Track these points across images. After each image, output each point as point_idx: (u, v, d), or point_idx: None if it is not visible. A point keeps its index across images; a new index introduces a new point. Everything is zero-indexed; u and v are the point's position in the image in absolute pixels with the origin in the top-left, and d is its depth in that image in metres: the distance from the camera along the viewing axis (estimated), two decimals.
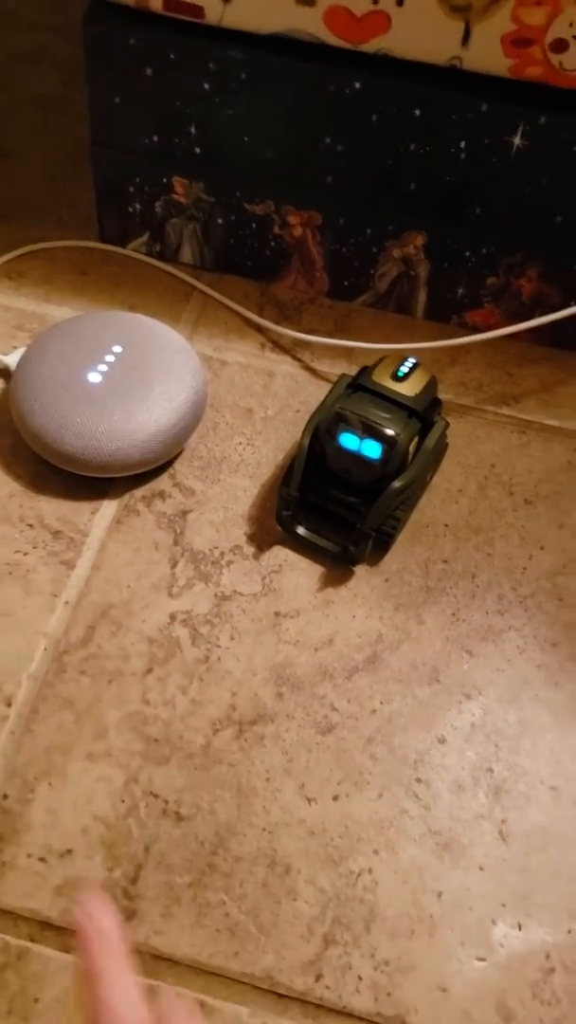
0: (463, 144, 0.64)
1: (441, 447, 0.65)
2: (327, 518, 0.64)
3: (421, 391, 0.62)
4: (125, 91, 0.68)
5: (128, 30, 0.65)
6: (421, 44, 0.60)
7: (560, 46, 0.58)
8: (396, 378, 0.62)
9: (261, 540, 0.64)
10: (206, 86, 0.66)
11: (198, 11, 0.62)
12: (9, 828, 0.52)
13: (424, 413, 0.62)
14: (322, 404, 0.63)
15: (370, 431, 0.59)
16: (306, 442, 0.62)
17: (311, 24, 0.61)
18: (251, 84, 0.65)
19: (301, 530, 0.63)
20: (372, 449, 0.60)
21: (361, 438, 0.60)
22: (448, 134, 0.64)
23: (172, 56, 0.65)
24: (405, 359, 0.63)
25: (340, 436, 0.60)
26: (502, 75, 0.60)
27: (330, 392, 0.63)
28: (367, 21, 0.59)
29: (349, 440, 0.60)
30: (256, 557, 0.63)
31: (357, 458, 0.60)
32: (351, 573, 0.62)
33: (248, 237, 0.75)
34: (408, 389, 0.61)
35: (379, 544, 0.63)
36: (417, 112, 0.63)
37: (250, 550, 0.63)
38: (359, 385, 0.62)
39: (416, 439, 0.61)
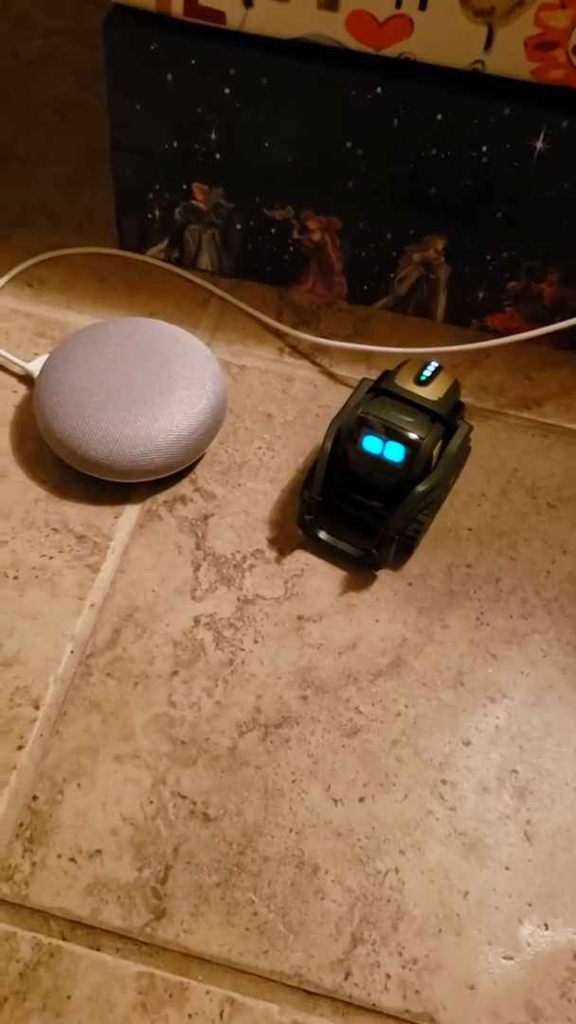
0: (485, 148, 0.64)
1: (464, 451, 0.65)
2: (349, 522, 0.64)
3: (444, 395, 0.62)
4: (145, 97, 0.69)
5: (149, 35, 0.65)
6: (443, 48, 0.60)
7: None
8: (419, 382, 0.62)
9: (282, 544, 0.64)
10: (227, 91, 0.66)
11: (219, 16, 0.63)
12: (39, 829, 0.52)
13: (447, 417, 0.62)
14: (344, 408, 0.63)
15: (393, 435, 0.60)
16: (328, 446, 0.62)
17: (333, 29, 0.61)
18: (272, 89, 0.65)
19: (323, 534, 0.63)
20: (395, 453, 0.60)
21: (384, 442, 0.60)
22: (470, 138, 0.64)
23: (193, 61, 0.65)
24: (428, 363, 0.63)
25: (363, 440, 0.60)
26: (525, 79, 0.60)
27: (352, 396, 0.63)
28: (390, 25, 0.60)
29: (372, 444, 0.60)
30: (278, 561, 0.63)
31: (380, 462, 0.61)
32: (373, 577, 0.63)
33: (267, 242, 0.75)
34: (431, 393, 0.62)
35: (402, 548, 0.63)
36: (439, 116, 0.63)
37: (272, 554, 0.64)
38: (381, 389, 0.63)
39: (440, 443, 0.61)
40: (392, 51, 0.61)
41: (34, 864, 0.51)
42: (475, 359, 0.75)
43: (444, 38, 0.60)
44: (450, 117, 0.63)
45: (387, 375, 0.64)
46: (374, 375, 0.73)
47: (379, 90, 0.63)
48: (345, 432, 0.62)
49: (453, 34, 0.59)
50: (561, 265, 0.70)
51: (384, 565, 0.62)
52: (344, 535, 0.64)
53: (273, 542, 0.64)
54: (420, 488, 0.60)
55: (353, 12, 0.60)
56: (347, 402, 0.63)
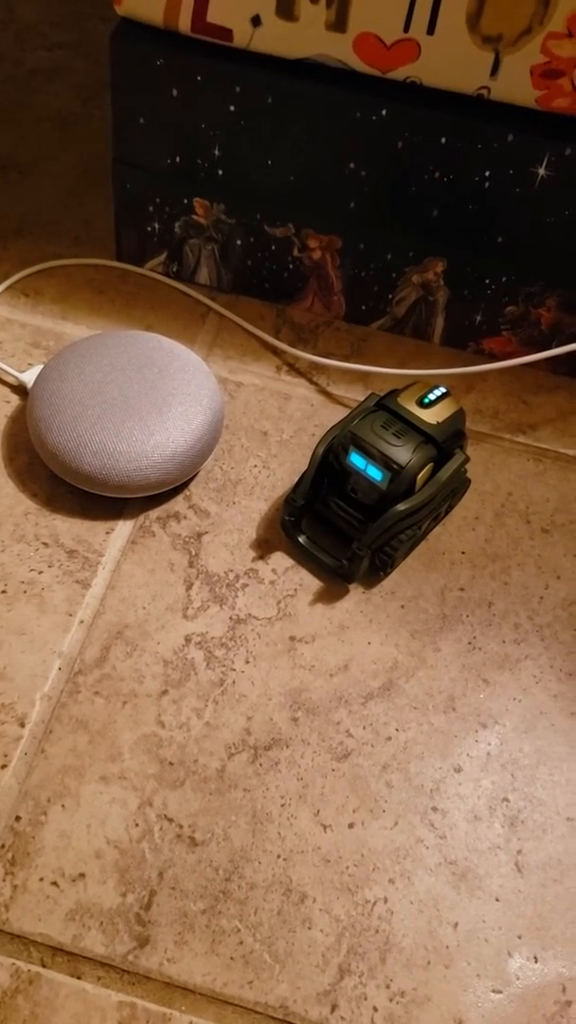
0: (487, 173, 0.64)
1: (459, 481, 0.64)
2: (333, 531, 0.65)
3: (444, 421, 0.61)
4: (149, 111, 0.68)
5: (155, 50, 0.65)
6: (450, 73, 0.60)
7: None
8: (421, 404, 0.62)
9: (276, 564, 0.63)
10: (231, 109, 0.66)
11: (227, 34, 0.62)
12: (21, 851, 0.51)
13: (443, 443, 0.61)
14: (344, 418, 0.63)
15: (376, 455, 0.60)
16: (320, 451, 0.62)
17: (340, 50, 0.61)
18: (276, 108, 0.65)
19: (302, 539, 0.63)
20: (376, 472, 0.60)
21: (367, 460, 0.60)
22: (473, 163, 0.64)
23: (198, 78, 0.65)
24: (435, 387, 0.63)
25: (349, 455, 0.60)
26: (529, 106, 0.60)
27: (357, 407, 0.63)
28: (397, 49, 0.60)
29: (356, 460, 0.60)
30: (271, 581, 0.63)
31: (362, 478, 0.60)
32: (366, 599, 0.62)
33: (267, 259, 0.75)
34: (430, 417, 0.61)
35: (377, 566, 0.62)
36: (443, 140, 0.63)
37: (265, 574, 0.63)
38: (384, 405, 0.62)
39: (430, 467, 0.61)
40: (398, 74, 0.61)
41: (15, 887, 0.50)
42: (471, 382, 0.75)
43: (451, 63, 0.60)
44: (454, 141, 0.63)
45: (393, 393, 0.63)
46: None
47: (384, 112, 0.63)
48: (336, 444, 0.62)
49: (460, 59, 0.59)
50: (559, 291, 0.70)
51: (354, 579, 0.62)
52: (326, 543, 0.64)
53: (266, 561, 0.63)
54: (400, 507, 0.59)
55: (361, 34, 0.60)
56: (349, 413, 0.63)
